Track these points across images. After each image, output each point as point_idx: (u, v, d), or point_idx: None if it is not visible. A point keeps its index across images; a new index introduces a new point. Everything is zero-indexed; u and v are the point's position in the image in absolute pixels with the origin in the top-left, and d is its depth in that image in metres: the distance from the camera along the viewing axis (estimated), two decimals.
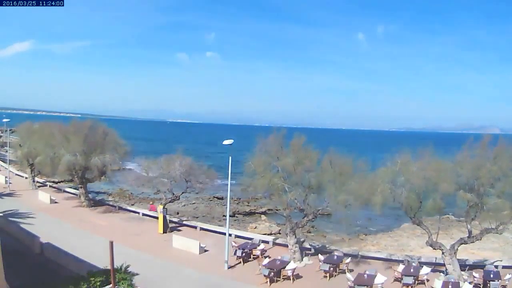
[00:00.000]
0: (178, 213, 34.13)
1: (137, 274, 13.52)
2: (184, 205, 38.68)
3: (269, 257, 19.37)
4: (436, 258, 19.62)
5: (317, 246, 22.66)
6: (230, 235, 21.37)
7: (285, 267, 17.97)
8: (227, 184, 19.63)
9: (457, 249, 17.81)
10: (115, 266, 11.05)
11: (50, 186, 39.78)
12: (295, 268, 18.10)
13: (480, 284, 16.74)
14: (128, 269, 13.70)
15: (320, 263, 18.75)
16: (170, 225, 26.10)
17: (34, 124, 37.61)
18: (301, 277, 18.23)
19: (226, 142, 18.58)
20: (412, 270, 17.58)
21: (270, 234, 28.14)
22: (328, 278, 17.94)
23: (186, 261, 19.93)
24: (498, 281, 16.15)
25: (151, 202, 35.94)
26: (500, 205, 16.06)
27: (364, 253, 21.83)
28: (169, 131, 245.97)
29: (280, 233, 28.51)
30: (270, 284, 17.15)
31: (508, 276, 16.52)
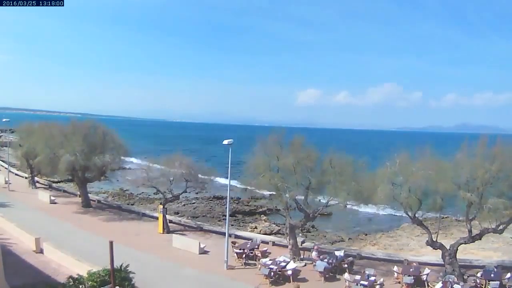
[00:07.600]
0: (178, 213, 34.16)
1: (134, 273, 13.54)
2: (184, 205, 38.68)
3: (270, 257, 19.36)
4: (436, 258, 19.61)
5: (317, 246, 22.60)
6: (230, 235, 21.37)
7: (285, 267, 17.98)
8: (227, 184, 19.63)
9: (457, 249, 17.79)
10: (115, 266, 11.08)
11: (49, 186, 39.83)
12: (295, 268, 18.10)
13: (480, 284, 16.72)
14: (127, 269, 13.75)
15: (319, 263, 18.72)
16: (170, 225, 26.11)
17: (34, 124, 37.58)
18: (301, 277, 18.21)
19: (225, 141, 18.58)
20: (412, 270, 17.58)
21: (270, 234, 28.14)
22: (323, 280, 17.84)
23: (186, 261, 19.93)
24: (498, 281, 16.16)
25: None
26: (500, 205, 16.03)
27: (364, 253, 21.82)
28: (169, 131, 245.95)
29: (280, 233, 28.49)
30: (271, 285, 17.15)
31: (508, 276, 16.53)
